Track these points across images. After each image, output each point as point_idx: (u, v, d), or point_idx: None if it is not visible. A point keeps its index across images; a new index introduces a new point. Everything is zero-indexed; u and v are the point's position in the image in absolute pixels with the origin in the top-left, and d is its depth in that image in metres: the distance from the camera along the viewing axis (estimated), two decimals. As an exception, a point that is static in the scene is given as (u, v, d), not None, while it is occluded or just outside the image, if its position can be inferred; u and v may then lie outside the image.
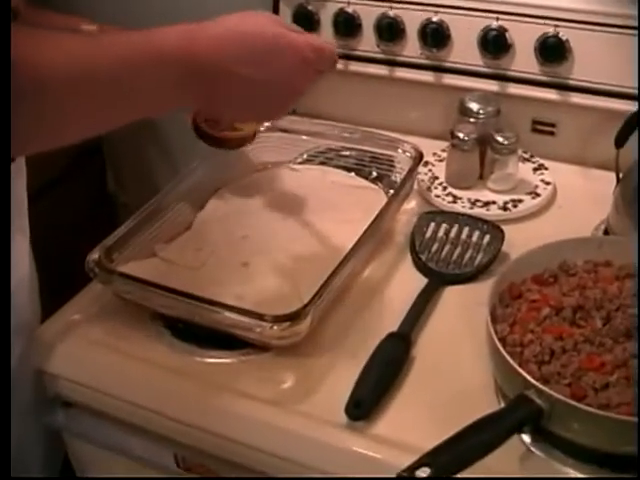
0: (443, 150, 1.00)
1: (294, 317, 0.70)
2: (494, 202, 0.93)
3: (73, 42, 0.57)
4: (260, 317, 0.70)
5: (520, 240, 0.82)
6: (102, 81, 0.58)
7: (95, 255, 0.78)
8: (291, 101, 0.69)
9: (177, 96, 0.63)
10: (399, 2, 1.02)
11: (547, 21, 0.95)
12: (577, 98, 0.97)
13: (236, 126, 0.83)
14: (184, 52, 0.61)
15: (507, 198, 0.94)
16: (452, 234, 0.86)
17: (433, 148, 1.02)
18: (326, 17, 1.06)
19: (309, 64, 0.67)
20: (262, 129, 0.95)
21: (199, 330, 0.75)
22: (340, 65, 1.06)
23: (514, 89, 1.00)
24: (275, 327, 0.70)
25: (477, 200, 0.94)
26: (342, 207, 0.90)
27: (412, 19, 1.01)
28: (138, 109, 0.62)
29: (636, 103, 0.91)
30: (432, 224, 0.88)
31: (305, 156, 1.00)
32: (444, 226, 0.88)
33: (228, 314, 0.71)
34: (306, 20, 1.06)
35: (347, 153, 0.98)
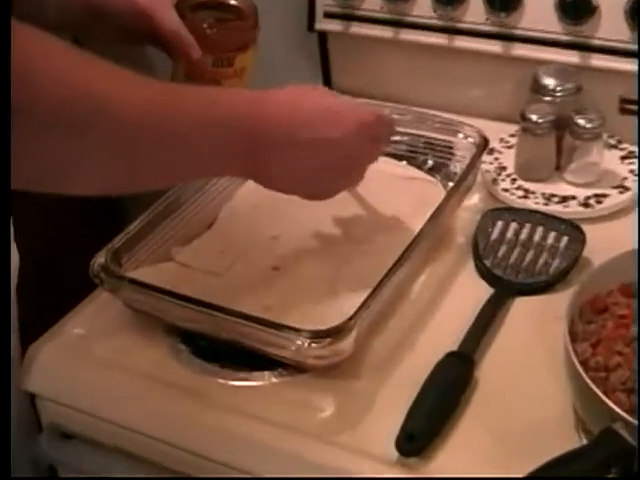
0: (512, 135, 1.01)
1: (335, 333, 0.71)
2: (573, 197, 0.94)
3: (147, 85, 0.63)
4: (295, 332, 0.71)
5: (604, 243, 0.83)
6: (170, 134, 0.64)
7: (101, 259, 0.79)
8: (354, 170, 0.78)
9: (238, 163, 0.71)
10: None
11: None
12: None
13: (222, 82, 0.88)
14: (252, 116, 0.69)
15: (589, 192, 0.94)
16: (523, 235, 0.87)
17: (500, 132, 1.02)
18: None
19: (370, 127, 0.76)
20: None
21: (223, 347, 0.76)
22: (389, 32, 1.09)
23: (598, 61, 1.00)
24: (313, 344, 0.71)
25: (553, 195, 0.95)
26: (391, 202, 0.91)
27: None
28: (193, 171, 0.72)
29: None
30: (499, 223, 0.89)
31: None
32: (513, 226, 0.88)
33: (257, 328, 0.72)
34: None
35: (397, 138, 0.98)
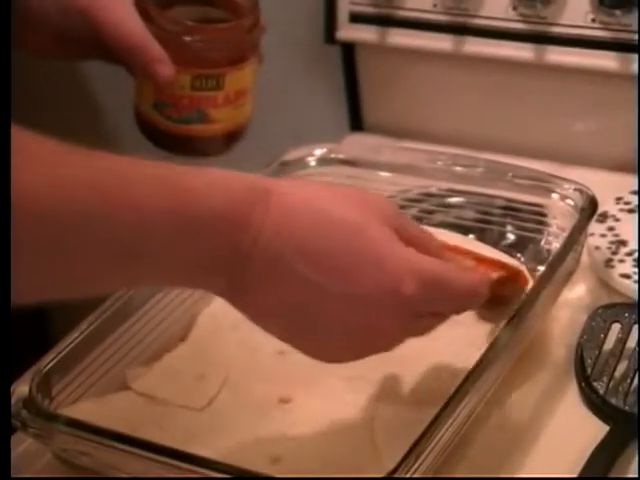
0: (635, 192, 0.94)
1: None
2: None
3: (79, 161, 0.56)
4: None
5: None
6: (104, 235, 0.56)
7: (23, 388, 0.72)
8: (364, 346, 0.66)
9: (206, 277, 0.62)
10: None
11: None
12: None
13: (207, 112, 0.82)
14: (237, 222, 0.60)
15: None
16: (654, 346, 0.87)
17: (617, 189, 0.95)
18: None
19: (405, 302, 0.63)
20: (311, 159, 0.89)
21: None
22: (446, 42, 1.00)
23: None
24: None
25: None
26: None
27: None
28: (137, 281, 0.64)
29: None
30: (616, 327, 0.82)
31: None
32: (637, 330, 0.82)
33: None
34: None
35: (460, 201, 0.90)
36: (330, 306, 0.64)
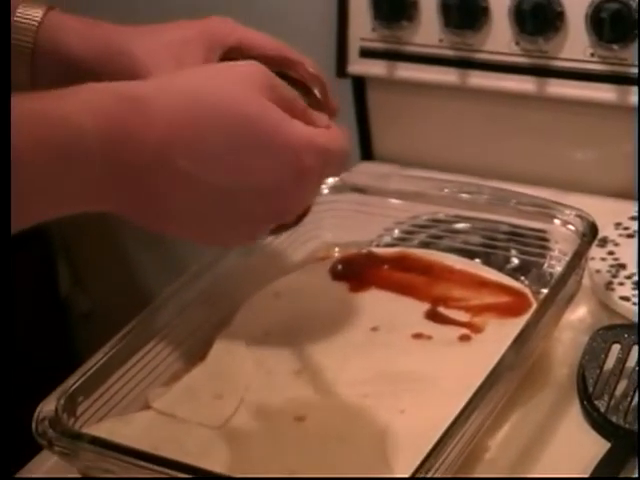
0: (633, 218, 0.95)
1: None
2: None
3: None
4: None
5: None
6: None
7: (49, 406, 0.73)
8: (270, 222, 0.68)
9: (97, 197, 0.61)
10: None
11: None
12: None
13: None
14: (113, 132, 0.59)
15: None
16: (653, 365, 0.85)
17: (616, 215, 0.96)
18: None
19: (308, 173, 0.65)
20: (324, 186, 0.90)
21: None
22: (452, 75, 1.02)
23: None
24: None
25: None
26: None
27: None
28: (34, 208, 0.59)
29: None
30: (616, 347, 0.82)
31: (396, 233, 0.94)
32: (637, 350, 0.82)
33: None
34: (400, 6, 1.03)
35: (466, 226, 0.91)
36: (239, 196, 0.63)
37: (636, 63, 0.95)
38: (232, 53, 0.79)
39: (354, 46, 1.07)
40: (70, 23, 0.79)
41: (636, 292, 0.89)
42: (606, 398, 0.79)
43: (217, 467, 0.70)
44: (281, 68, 0.80)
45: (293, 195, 0.67)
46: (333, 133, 0.68)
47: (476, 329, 0.84)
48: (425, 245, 0.94)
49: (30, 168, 0.57)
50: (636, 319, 0.86)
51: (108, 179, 0.61)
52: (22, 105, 0.58)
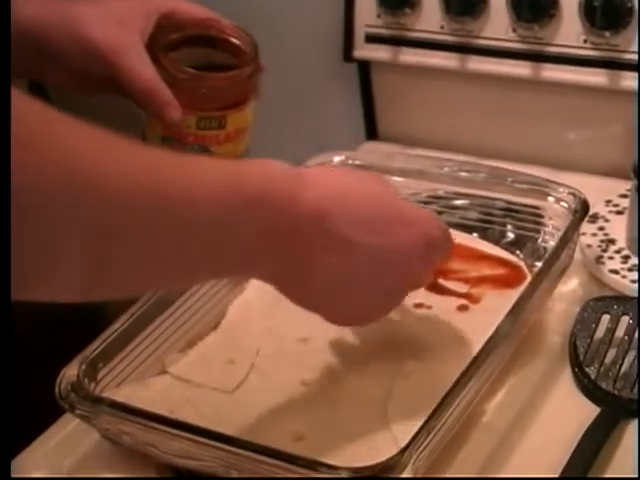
0: (623, 195, 0.95)
1: (386, 470, 0.66)
2: None
3: (139, 153, 0.57)
4: (331, 470, 0.66)
5: None
6: (168, 219, 0.57)
7: (71, 372, 0.74)
8: (406, 287, 0.72)
9: (257, 258, 0.64)
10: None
11: None
12: None
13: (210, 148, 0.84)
14: (284, 196, 0.63)
15: None
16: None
17: (606, 193, 0.97)
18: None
19: (433, 246, 0.71)
20: (330, 165, 0.91)
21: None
22: (453, 60, 1.03)
23: None
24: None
25: (679, 277, 0.91)
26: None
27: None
28: (198, 272, 0.64)
29: None
30: (605, 318, 0.83)
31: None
32: (625, 320, 0.82)
33: (283, 466, 0.67)
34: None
35: (465, 203, 0.92)
36: (384, 257, 0.68)
37: (627, 49, 0.96)
38: (166, 19, 0.84)
39: (360, 32, 1.07)
40: None
41: (625, 265, 0.89)
42: (596, 365, 0.80)
43: (230, 430, 0.70)
44: (210, 30, 0.85)
45: (422, 259, 0.70)
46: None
47: (474, 300, 0.85)
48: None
49: (206, 217, 0.59)
50: (625, 291, 0.87)
51: (271, 238, 0.64)
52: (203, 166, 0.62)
